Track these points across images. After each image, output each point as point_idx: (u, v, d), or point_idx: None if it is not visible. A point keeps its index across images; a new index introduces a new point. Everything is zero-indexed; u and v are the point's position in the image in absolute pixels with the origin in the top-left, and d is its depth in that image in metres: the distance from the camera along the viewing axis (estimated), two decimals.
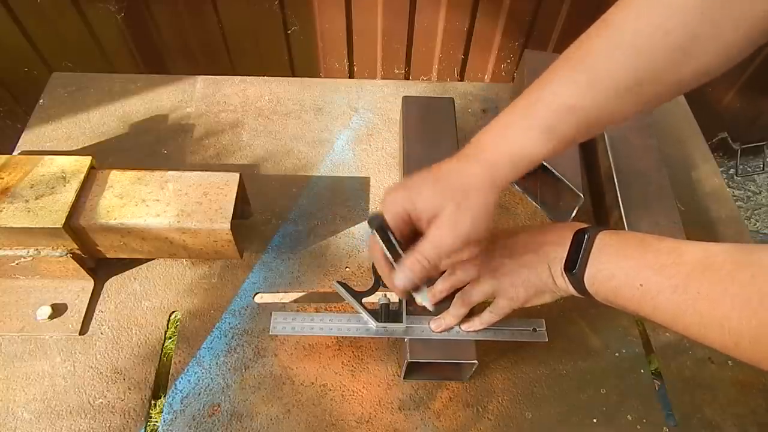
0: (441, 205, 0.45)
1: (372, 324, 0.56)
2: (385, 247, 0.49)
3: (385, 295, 0.58)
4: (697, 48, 0.40)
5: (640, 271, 0.41)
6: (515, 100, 0.47)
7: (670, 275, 0.39)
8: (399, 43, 1.44)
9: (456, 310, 0.54)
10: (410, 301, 0.58)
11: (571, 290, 0.48)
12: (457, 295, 0.55)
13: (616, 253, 0.44)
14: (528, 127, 0.45)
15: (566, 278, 0.47)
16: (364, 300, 0.57)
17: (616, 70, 0.42)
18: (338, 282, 0.57)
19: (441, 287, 0.55)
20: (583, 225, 0.49)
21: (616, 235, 0.46)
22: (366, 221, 0.46)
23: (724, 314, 0.35)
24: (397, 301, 0.58)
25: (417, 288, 0.52)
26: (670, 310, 0.39)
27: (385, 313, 0.57)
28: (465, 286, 0.54)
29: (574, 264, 0.46)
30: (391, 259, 0.49)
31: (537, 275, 0.49)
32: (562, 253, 0.48)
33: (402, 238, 0.49)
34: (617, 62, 0.42)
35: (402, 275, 0.48)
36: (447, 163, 0.48)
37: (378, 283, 0.59)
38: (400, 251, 0.49)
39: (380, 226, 0.48)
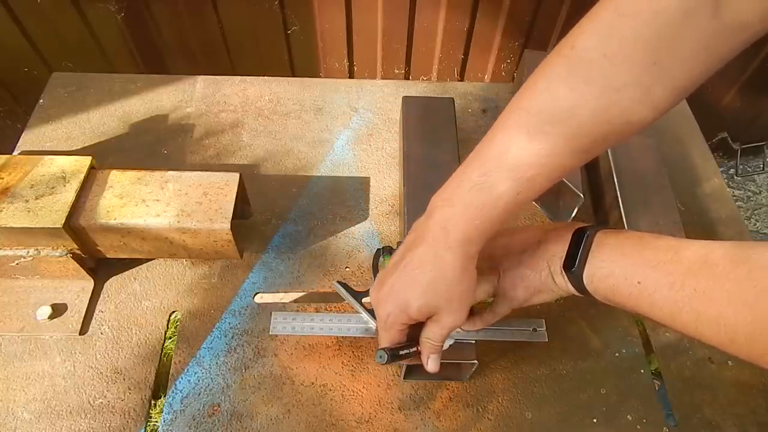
0: (434, 309, 0.47)
1: (372, 324, 0.56)
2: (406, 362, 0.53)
3: None
4: (650, 97, 0.39)
5: (637, 268, 0.42)
6: (469, 156, 0.46)
7: (667, 272, 0.39)
8: (399, 43, 1.44)
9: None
10: None
11: (570, 289, 0.48)
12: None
13: (614, 251, 0.44)
14: (488, 188, 0.44)
15: (565, 277, 0.47)
16: (364, 300, 0.57)
17: (565, 113, 0.41)
18: (338, 282, 0.57)
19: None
20: (583, 224, 0.49)
21: (615, 234, 0.46)
22: (378, 361, 0.48)
23: (719, 311, 0.35)
24: None
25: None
26: (667, 308, 0.39)
27: None
28: None
29: (573, 262, 0.46)
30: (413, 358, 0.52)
31: (536, 274, 0.49)
32: (561, 252, 0.48)
33: (405, 336, 0.51)
34: (566, 105, 0.41)
35: (431, 363, 0.51)
36: (419, 254, 0.47)
37: None
38: (414, 350, 0.51)
39: (391, 356, 0.49)
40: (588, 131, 0.41)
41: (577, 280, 0.46)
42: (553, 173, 0.43)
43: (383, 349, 0.49)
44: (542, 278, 0.49)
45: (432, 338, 0.50)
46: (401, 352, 0.50)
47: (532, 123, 0.42)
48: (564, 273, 0.47)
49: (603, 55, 0.38)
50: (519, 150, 0.42)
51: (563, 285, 0.48)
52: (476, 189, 0.44)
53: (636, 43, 0.37)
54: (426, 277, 0.46)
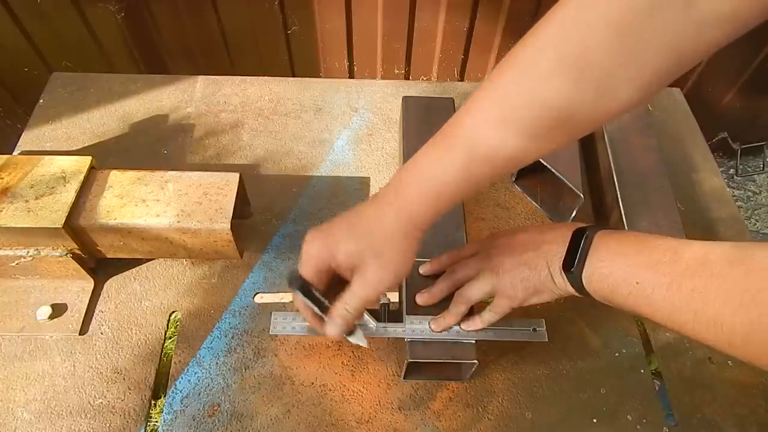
0: (361, 257, 0.46)
1: (372, 324, 0.56)
2: (311, 304, 0.50)
3: (385, 295, 0.58)
4: (614, 84, 0.38)
5: (636, 268, 0.42)
6: (435, 134, 0.46)
7: (665, 273, 0.39)
8: (399, 43, 1.44)
9: (456, 308, 0.54)
10: (411, 301, 0.58)
11: (570, 289, 0.48)
12: (456, 293, 0.55)
13: (613, 252, 0.44)
14: (448, 164, 0.44)
15: (564, 277, 0.48)
16: None
17: (530, 107, 0.41)
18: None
19: (441, 286, 0.55)
20: (583, 225, 0.49)
21: (615, 234, 0.46)
22: (286, 280, 0.46)
23: (716, 311, 0.35)
24: (397, 301, 0.58)
25: (351, 332, 0.53)
26: (665, 308, 0.39)
27: (386, 314, 0.57)
28: (464, 284, 0.54)
29: (572, 263, 0.46)
30: (320, 312, 0.50)
31: (536, 274, 0.49)
32: (560, 251, 0.48)
33: (324, 286, 0.50)
34: (533, 98, 0.40)
35: (332, 327, 0.50)
36: (365, 209, 0.47)
37: None
38: (327, 303, 0.50)
39: (301, 286, 0.49)
40: (547, 123, 0.41)
41: (576, 281, 0.46)
42: (508, 155, 0.43)
43: (300, 276, 0.48)
44: (542, 278, 0.49)
45: (347, 301, 0.48)
46: (314, 292, 0.49)
47: (497, 112, 0.42)
48: (563, 273, 0.47)
49: (565, 52, 0.38)
50: (477, 132, 0.43)
51: (562, 285, 0.48)
52: (432, 161, 0.44)
53: (601, 34, 0.36)
54: (363, 226, 0.46)
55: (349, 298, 0.48)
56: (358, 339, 0.53)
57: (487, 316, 0.54)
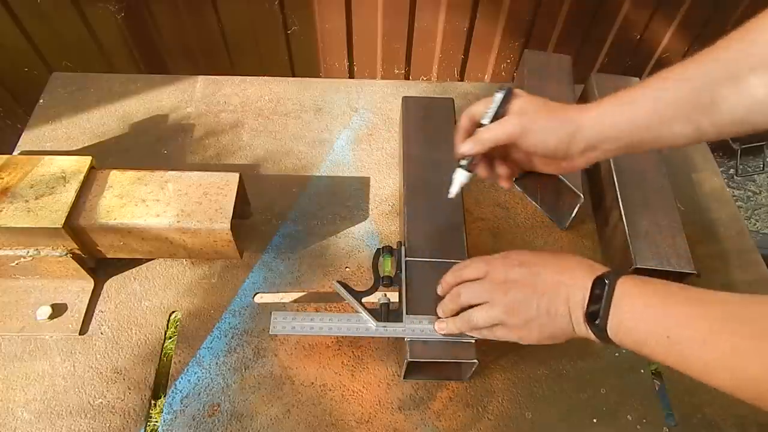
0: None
1: (372, 324, 0.56)
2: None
3: (385, 295, 0.58)
4: None
5: (665, 321, 0.40)
6: (637, 86, 0.48)
7: (698, 328, 0.38)
8: (399, 43, 1.44)
9: (460, 325, 0.54)
10: (410, 301, 0.58)
11: (593, 338, 0.46)
12: (462, 314, 0.54)
13: (639, 304, 0.43)
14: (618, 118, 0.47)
15: (588, 328, 0.46)
16: (364, 300, 0.57)
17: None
18: (338, 282, 0.58)
19: (446, 307, 0.55)
20: (601, 269, 0.47)
21: (638, 284, 0.44)
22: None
23: (758, 372, 0.34)
24: (397, 301, 0.58)
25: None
26: (699, 364, 0.38)
27: (385, 313, 0.57)
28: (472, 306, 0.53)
29: (596, 314, 0.44)
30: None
31: (555, 322, 0.48)
32: (581, 298, 0.46)
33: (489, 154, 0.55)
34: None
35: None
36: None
37: (378, 283, 0.59)
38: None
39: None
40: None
41: (600, 332, 0.45)
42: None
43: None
44: (561, 326, 0.48)
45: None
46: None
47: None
48: (587, 324, 0.46)
49: None
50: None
51: (584, 334, 0.47)
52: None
53: None
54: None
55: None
56: None
57: (487, 335, 0.54)
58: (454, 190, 0.56)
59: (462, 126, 0.56)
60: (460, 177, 0.56)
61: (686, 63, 0.45)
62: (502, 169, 0.57)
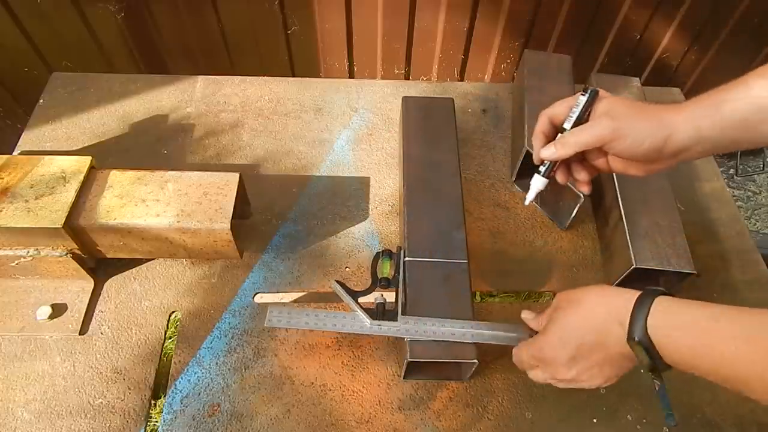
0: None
1: (366, 321, 0.56)
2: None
3: (382, 296, 0.58)
4: None
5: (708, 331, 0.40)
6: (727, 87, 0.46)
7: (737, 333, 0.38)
8: (399, 43, 1.44)
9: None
10: (407, 301, 0.58)
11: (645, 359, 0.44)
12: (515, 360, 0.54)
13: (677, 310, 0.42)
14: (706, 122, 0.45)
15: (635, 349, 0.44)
16: (361, 299, 0.58)
17: None
18: (336, 281, 0.58)
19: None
20: (634, 293, 0.44)
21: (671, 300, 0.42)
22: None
23: None
24: (393, 301, 0.59)
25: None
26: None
27: (381, 312, 0.57)
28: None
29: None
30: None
31: (619, 363, 0.47)
32: (625, 313, 0.44)
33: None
34: None
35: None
36: (656, 108, 0.47)
37: (375, 284, 0.59)
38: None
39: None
40: None
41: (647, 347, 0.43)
42: None
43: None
44: (622, 362, 0.47)
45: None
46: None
47: None
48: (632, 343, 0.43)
49: None
50: None
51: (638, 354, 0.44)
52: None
53: None
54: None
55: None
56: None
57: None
58: (530, 196, 0.55)
59: (540, 129, 0.53)
60: (537, 184, 0.54)
61: None
62: (581, 174, 0.54)
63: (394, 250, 0.63)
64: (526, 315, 0.55)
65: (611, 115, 0.48)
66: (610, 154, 0.50)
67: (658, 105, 0.47)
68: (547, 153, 0.51)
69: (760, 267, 0.73)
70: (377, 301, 0.58)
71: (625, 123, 0.46)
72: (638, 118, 0.46)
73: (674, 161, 0.48)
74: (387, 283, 0.60)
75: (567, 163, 0.54)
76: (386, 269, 0.60)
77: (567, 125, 0.50)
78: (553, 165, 0.53)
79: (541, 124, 0.53)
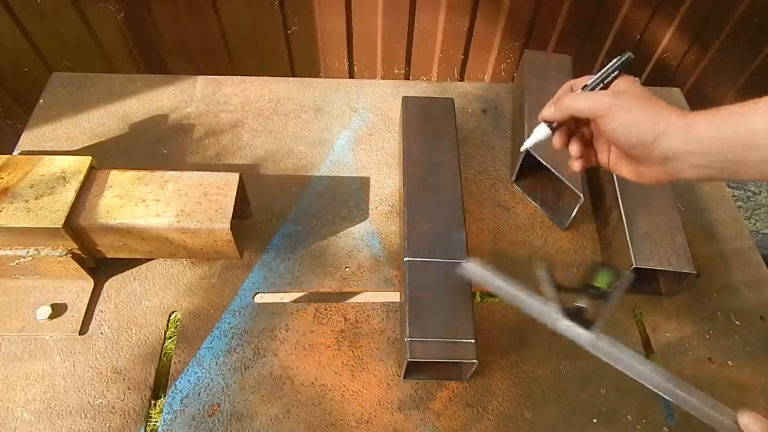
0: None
1: (558, 317, 0.54)
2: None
3: (583, 303, 0.56)
4: None
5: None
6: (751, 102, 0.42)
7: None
8: (399, 43, 1.44)
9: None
10: (412, 299, 0.58)
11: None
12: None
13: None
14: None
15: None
16: (557, 297, 0.55)
17: None
18: (543, 268, 0.56)
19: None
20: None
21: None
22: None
23: None
24: (591, 311, 0.56)
25: None
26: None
27: (578, 316, 0.54)
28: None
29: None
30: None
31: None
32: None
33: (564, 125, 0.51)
34: None
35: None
36: (663, 103, 0.45)
37: (586, 289, 0.56)
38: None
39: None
40: None
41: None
42: None
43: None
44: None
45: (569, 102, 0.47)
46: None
47: None
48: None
49: None
50: None
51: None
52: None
53: None
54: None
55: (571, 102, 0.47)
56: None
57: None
58: (529, 142, 0.52)
59: (558, 94, 0.51)
60: (540, 131, 0.51)
61: None
62: (574, 148, 0.52)
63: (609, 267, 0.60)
64: (746, 420, 0.45)
65: (619, 94, 0.46)
66: (604, 136, 0.48)
67: (672, 106, 0.44)
68: (546, 112, 0.50)
69: (760, 267, 0.73)
70: (578, 305, 0.56)
71: (624, 104, 0.45)
72: (639, 106, 0.44)
73: (665, 170, 0.45)
74: (599, 294, 0.57)
75: (569, 132, 0.52)
76: (604, 281, 0.59)
77: (587, 81, 0.49)
78: (553, 124, 0.51)
79: (561, 90, 0.51)
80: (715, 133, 0.41)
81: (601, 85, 0.48)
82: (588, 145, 0.52)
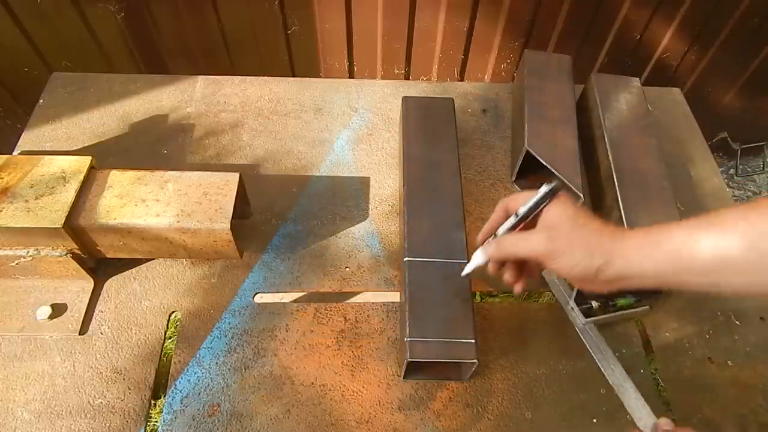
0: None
1: (571, 302, 0.63)
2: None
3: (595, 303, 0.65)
4: None
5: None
6: (687, 223, 0.42)
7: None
8: (399, 43, 1.44)
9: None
10: (411, 299, 0.58)
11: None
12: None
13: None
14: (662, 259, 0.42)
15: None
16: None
17: None
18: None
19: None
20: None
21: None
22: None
23: None
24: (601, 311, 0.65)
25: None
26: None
27: (586, 307, 0.64)
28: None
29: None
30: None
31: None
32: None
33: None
34: None
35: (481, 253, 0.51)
36: (597, 233, 0.45)
37: (609, 303, 0.65)
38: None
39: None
40: None
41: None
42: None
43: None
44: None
45: (505, 243, 0.48)
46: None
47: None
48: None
49: None
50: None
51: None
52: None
53: None
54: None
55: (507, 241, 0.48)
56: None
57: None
58: (468, 269, 0.53)
59: (495, 217, 0.52)
60: (478, 257, 0.52)
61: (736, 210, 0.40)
62: (507, 275, 0.52)
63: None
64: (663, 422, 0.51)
65: (552, 232, 0.46)
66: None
67: (605, 228, 0.45)
68: (481, 252, 0.51)
69: None
70: (590, 303, 0.64)
71: (561, 244, 0.45)
72: (575, 244, 0.45)
73: (614, 286, 0.46)
74: (614, 308, 0.65)
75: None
76: (625, 302, 0.65)
77: (522, 209, 0.49)
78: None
79: (498, 212, 0.52)
80: (651, 259, 0.42)
81: (536, 211, 0.48)
82: (524, 264, 0.52)
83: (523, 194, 0.50)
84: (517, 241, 0.48)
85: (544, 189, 0.46)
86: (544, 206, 0.47)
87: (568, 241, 0.44)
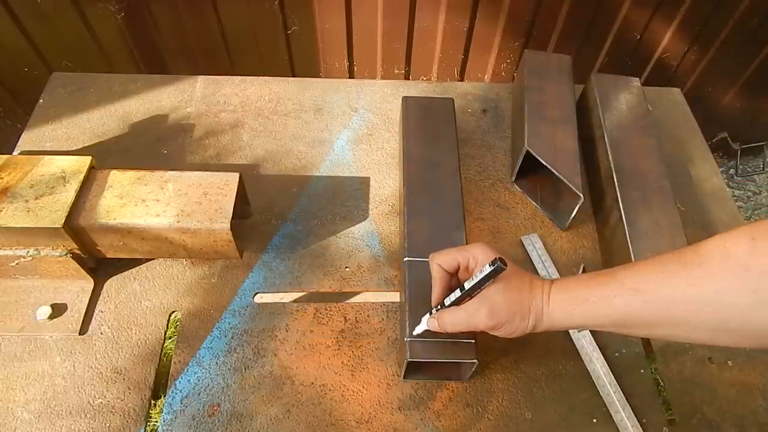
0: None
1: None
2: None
3: None
4: None
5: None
6: (607, 273, 0.47)
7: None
8: (399, 43, 1.44)
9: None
10: (411, 300, 0.58)
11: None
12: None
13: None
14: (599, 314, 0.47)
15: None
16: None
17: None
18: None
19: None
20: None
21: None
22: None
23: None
24: None
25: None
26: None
27: None
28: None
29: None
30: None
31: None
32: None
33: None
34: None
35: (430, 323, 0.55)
36: (528, 295, 0.50)
37: None
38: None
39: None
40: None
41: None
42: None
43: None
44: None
45: (451, 319, 0.52)
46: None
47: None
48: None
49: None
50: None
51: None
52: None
53: None
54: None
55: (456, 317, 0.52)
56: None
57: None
58: (418, 330, 0.56)
59: (435, 276, 0.56)
60: (426, 325, 0.55)
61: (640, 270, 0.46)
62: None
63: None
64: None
65: (494, 307, 0.49)
66: None
67: (536, 290, 0.49)
68: (429, 324, 0.54)
69: None
70: None
71: (503, 317, 0.49)
72: (513, 310, 0.49)
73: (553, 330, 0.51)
74: None
75: None
76: None
77: (467, 285, 0.51)
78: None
79: (435, 272, 0.55)
80: (571, 318, 0.48)
81: (481, 287, 0.50)
82: None
83: (449, 253, 0.54)
84: (461, 320, 0.51)
85: (488, 268, 0.49)
86: (489, 284, 0.50)
87: (507, 312, 0.49)
